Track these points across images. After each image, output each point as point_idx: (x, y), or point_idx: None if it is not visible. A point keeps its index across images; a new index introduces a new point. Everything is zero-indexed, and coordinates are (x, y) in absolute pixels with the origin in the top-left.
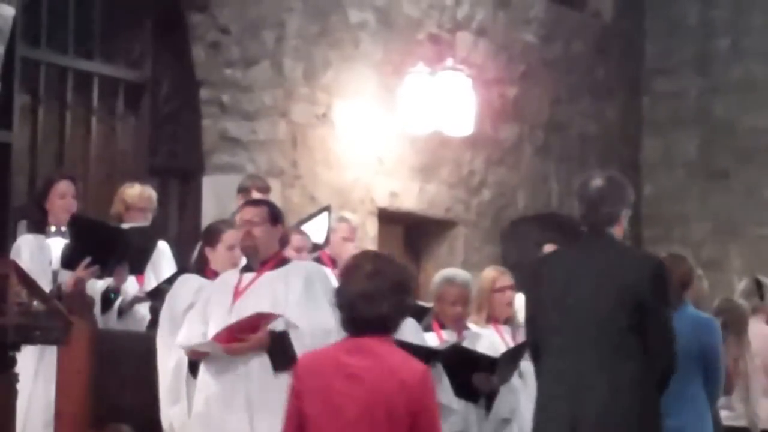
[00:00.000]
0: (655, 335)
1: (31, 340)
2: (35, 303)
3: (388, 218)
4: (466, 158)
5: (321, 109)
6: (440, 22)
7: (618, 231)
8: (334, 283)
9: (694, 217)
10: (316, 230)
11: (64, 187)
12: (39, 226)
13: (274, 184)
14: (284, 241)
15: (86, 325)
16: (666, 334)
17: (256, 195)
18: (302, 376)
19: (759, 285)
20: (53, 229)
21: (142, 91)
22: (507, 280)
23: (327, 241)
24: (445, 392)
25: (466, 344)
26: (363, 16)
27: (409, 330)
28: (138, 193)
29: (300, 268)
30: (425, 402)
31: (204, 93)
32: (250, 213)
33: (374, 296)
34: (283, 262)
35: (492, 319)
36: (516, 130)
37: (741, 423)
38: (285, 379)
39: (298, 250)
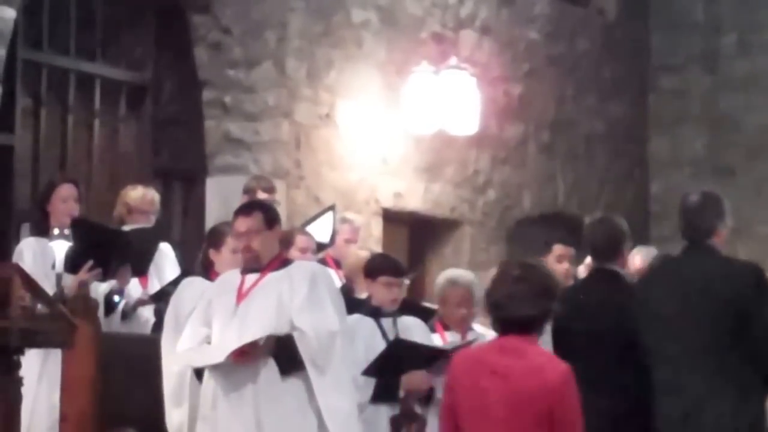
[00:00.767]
0: (762, 341)
1: (35, 344)
2: (39, 306)
3: (392, 218)
4: (471, 157)
5: (324, 110)
6: (443, 20)
7: (719, 242)
8: (338, 284)
9: None
10: (321, 230)
11: (66, 190)
12: (42, 229)
13: (278, 185)
14: (286, 242)
15: (90, 328)
16: None
17: (261, 195)
18: (455, 373)
19: None
20: (56, 231)
21: (145, 92)
22: None
23: (333, 240)
24: None
25: (475, 345)
26: (366, 16)
27: (418, 331)
28: (140, 195)
29: (304, 268)
30: (567, 400)
31: (207, 94)
32: (245, 224)
33: (520, 299)
34: (285, 262)
35: None
36: (521, 129)
37: None
38: (291, 382)
39: (303, 251)
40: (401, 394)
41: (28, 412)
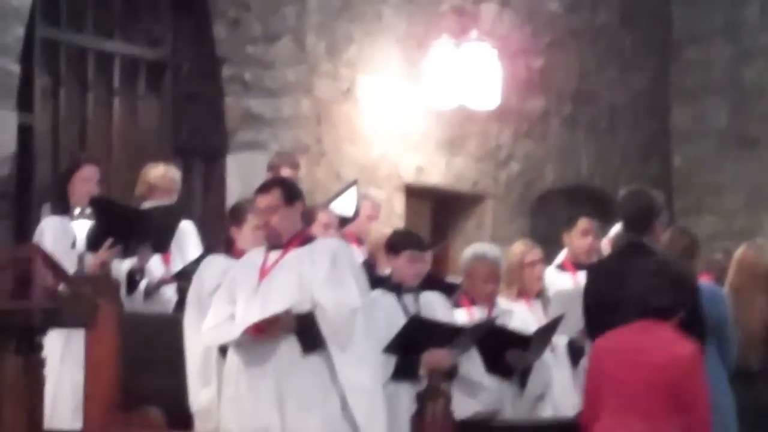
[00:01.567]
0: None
1: (57, 324)
2: (61, 286)
3: (415, 194)
4: (493, 131)
5: (345, 85)
6: None
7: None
8: (360, 261)
9: (726, 187)
10: (345, 205)
11: (88, 171)
12: (63, 209)
13: (300, 161)
14: (308, 218)
15: (112, 308)
16: None
17: (285, 172)
18: (599, 352)
19: None
20: (77, 211)
21: (164, 70)
22: (537, 254)
23: (357, 213)
24: (475, 369)
25: (498, 321)
26: None
27: (439, 307)
28: (162, 173)
29: (326, 245)
30: (693, 374)
31: (226, 71)
32: (264, 201)
33: (658, 289)
34: (308, 239)
35: (522, 294)
36: (543, 102)
37: None
38: (313, 362)
39: (326, 227)
40: (422, 372)
41: (51, 392)
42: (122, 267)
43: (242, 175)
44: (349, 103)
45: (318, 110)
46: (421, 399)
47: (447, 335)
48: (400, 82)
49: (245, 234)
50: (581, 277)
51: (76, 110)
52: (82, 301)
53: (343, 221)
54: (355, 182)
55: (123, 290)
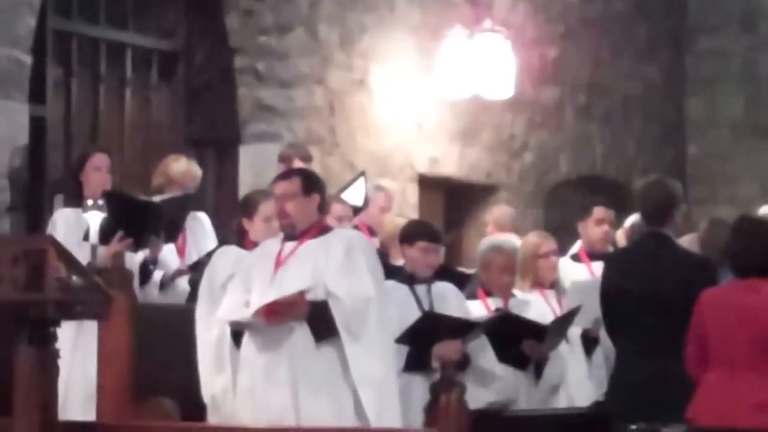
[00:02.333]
0: None
1: (71, 316)
2: (74, 278)
3: (428, 184)
4: (507, 121)
5: (358, 75)
6: None
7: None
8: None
9: (741, 176)
10: (354, 195)
11: (99, 160)
12: (75, 200)
13: (313, 152)
14: (325, 209)
15: (126, 299)
16: None
17: (298, 164)
18: (703, 308)
19: None
20: (90, 202)
21: (176, 60)
22: (551, 245)
23: (366, 203)
24: (487, 358)
25: (514, 312)
26: None
27: (452, 298)
28: (184, 169)
29: (341, 236)
30: None
31: (239, 61)
32: (281, 188)
33: (755, 249)
34: (324, 230)
35: (537, 285)
36: (557, 92)
37: None
38: (326, 351)
39: (340, 219)
40: (434, 363)
41: (63, 383)
42: (135, 259)
43: (255, 166)
44: (363, 94)
45: (331, 101)
46: (435, 390)
47: (460, 329)
48: (413, 72)
49: (257, 225)
50: (596, 267)
51: (88, 101)
52: (95, 292)
53: (354, 211)
54: (362, 173)
55: (136, 282)
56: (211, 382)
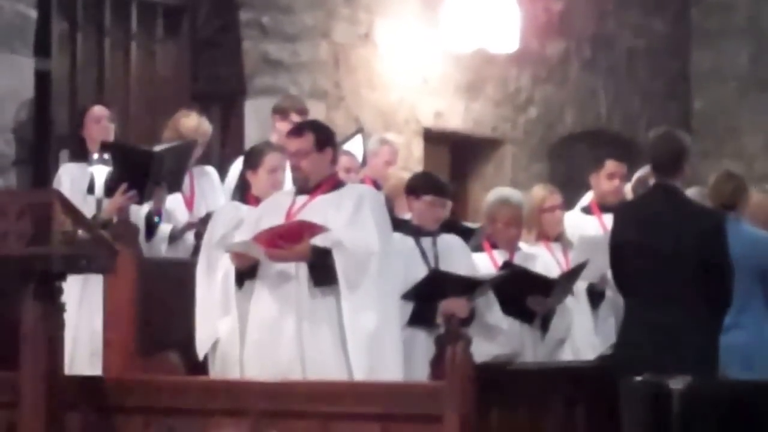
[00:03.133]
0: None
1: (77, 270)
2: (80, 232)
3: (433, 138)
4: (512, 75)
5: (363, 29)
6: None
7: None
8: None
9: (746, 130)
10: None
11: (98, 111)
12: (80, 155)
13: (318, 106)
14: (336, 161)
15: (132, 253)
16: None
17: (295, 118)
18: None
19: None
20: (96, 156)
21: (181, 14)
22: (556, 198)
23: (364, 161)
24: (493, 312)
25: (519, 266)
26: None
27: (458, 251)
28: (195, 125)
29: (354, 191)
30: None
31: (244, 15)
32: (295, 145)
33: None
34: (337, 185)
35: (542, 238)
36: (562, 46)
37: None
38: (332, 304)
39: (347, 170)
40: (439, 319)
41: (70, 338)
42: (140, 212)
43: (260, 120)
44: (368, 48)
45: (336, 54)
46: (441, 343)
47: (467, 287)
48: (418, 25)
49: (260, 178)
50: (607, 220)
51: (93, 55)
52: (101, 246)
53: None
54: (360, 130)
55: (142, 236)
56: (214, 327)
